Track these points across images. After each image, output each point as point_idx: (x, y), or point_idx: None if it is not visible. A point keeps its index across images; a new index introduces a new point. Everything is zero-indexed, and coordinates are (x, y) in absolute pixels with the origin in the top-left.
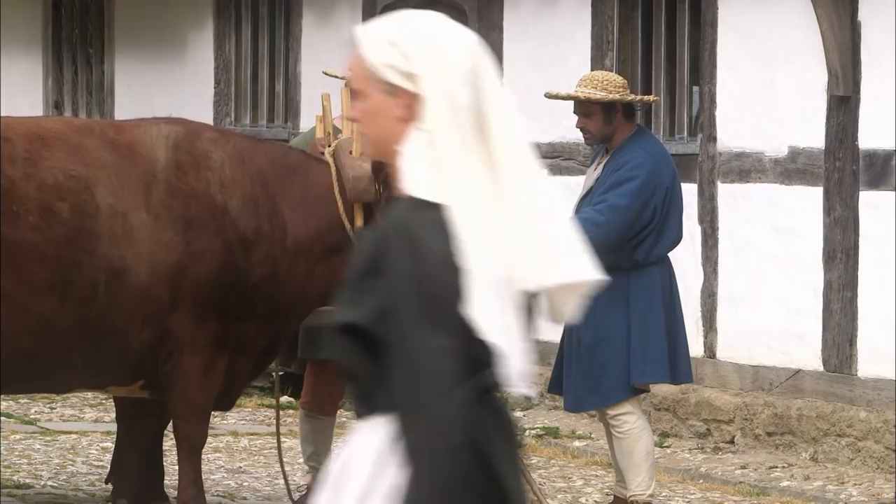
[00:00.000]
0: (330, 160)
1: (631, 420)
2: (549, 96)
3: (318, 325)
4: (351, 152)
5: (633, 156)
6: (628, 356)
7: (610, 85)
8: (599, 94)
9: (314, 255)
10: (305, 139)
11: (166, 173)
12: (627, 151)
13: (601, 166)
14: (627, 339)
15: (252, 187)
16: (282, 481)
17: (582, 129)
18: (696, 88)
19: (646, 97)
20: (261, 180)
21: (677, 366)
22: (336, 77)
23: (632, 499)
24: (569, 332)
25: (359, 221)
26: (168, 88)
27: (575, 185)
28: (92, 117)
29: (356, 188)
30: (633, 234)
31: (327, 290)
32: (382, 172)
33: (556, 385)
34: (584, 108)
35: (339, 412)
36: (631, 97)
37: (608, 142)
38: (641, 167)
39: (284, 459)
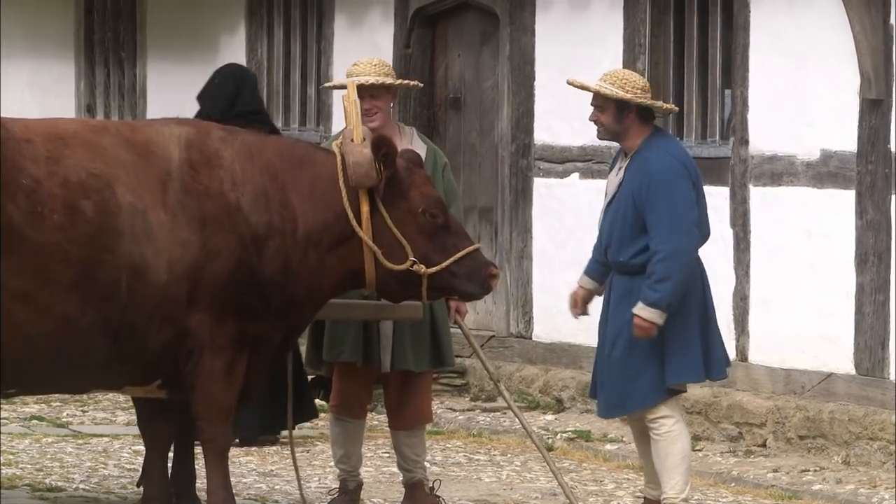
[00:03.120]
0: (336, 150)
1: (669, 423)
2: (570, 83)
3: (343, 325)
4: (352, 140)
5: (656, 160)
6: (662, 358)
7: (628, 84)
8: (612, 91)
9: (323, 246)
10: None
11: (180, 172)
12: (648, 155)
13: (622, 171)
14: (661, 341)
15: (262, 182)
16: (313, 485)
17: (594, 122)
18: (728, 91)
19: (664, 105)
20: (270, 173)
21: (711, 364)
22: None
23: (665, 501)
24: (603, 336)
25: (364, 208)
26: None
27: None
28: (124, 120)
29: (357, 173)
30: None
31: (339, 281)
32: (381, 151)
33: (593, 390)
34: (599, 101)
35: (369, 416)
36: (641, 100)
37: (619, 139)
38: (668, 171)
39: (315, 462)
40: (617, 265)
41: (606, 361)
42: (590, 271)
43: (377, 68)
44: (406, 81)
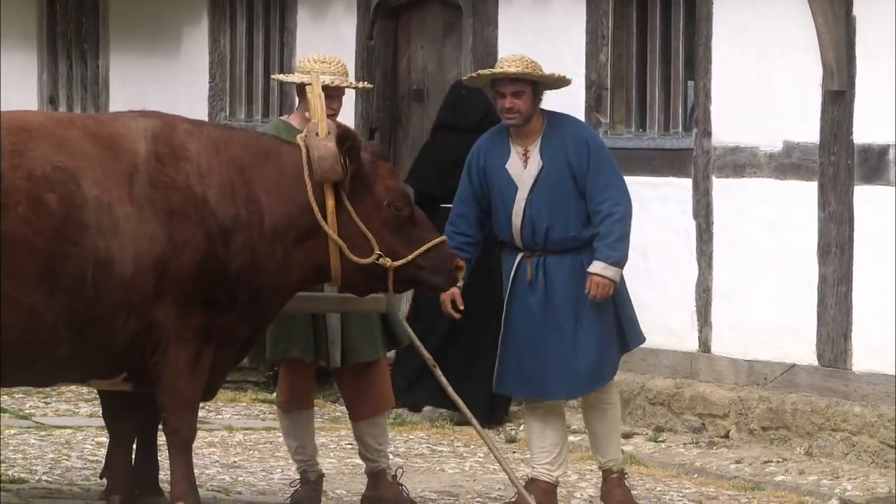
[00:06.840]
0: (302, 144)
1: (615, 389)
2: (478, 76)
3: (289, 321)
4: (317, 134)
5: (583, 129)
6: (620, 322)
7: (532, 65)
8: (548, 73)
9: (289, 240)
10: (275, 129)
11: (147, 165)
12: (570, 129)
13: (532, 155)
14: (614, 307)
15: (228, 175)
16: (276, 476)
17: (509, 110)
18: (691, 83)
19: (563, 77)
20: (236, 166)
21: None
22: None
23: (615, 465)
24: (545, 319)
25: (329, 202)
26: (163, 83)
27: None
28: (87, 112)
29: (322, 168)
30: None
31: (305, 275)
32: (346, 146)
33: (519, 381)
34: (518, 87)
35: (332, 407)
36: (556, 75)
37: (527, 124)
38: (598, 137)
39: (278, 454)
40: (561, 242)
41: (570, 341)
42: None
43: (334, 67)
44: (359, 84)
